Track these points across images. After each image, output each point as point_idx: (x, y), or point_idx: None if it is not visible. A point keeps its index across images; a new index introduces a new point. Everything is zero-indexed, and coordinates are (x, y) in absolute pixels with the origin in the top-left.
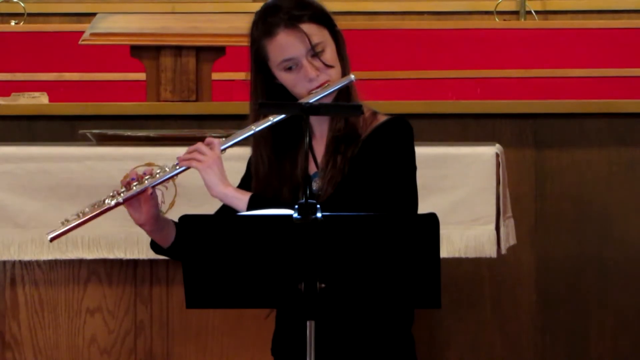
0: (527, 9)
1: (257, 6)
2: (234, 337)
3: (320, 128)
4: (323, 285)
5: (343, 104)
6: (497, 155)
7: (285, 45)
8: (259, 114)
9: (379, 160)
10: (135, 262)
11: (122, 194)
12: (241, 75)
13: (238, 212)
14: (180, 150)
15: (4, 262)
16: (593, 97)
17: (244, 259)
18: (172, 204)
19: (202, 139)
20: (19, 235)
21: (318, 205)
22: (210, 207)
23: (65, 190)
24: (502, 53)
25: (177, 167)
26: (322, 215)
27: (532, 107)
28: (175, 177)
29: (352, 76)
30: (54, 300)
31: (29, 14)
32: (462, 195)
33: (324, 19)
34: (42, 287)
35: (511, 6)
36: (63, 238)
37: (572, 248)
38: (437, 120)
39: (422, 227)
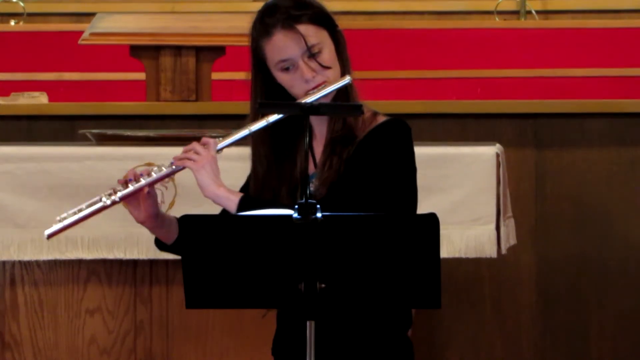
0: (527, 9)
1: (257, 6)
2: (234, 337)
3: (320, 128)
4: (323, 285)
5: (343, 104)
6: (497, 155)
7: (281, 45)
8: (258, 114)
9: (373, 161)
10: (135, 262)
11: (118, 192)
12: (241, 75)
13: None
14: (180, 150)
15: (4, 262)
16: (593, 97)
17: (244, 259)
18: (172, 204)
19: (201, 139)
20: (18, 236)
21: (318, 206)
22: (210, 207)
23: (65, 190)
24: (502, 53)
25: (173, 167)
26: (322, 215)
27: (532, 107)
28: (173, 176)
29: (348, 78)
30: (53, 300)
31: (29, 14)
32: (462, 195)
33: (323, 20)
34: (41, 287)
35: (511, 6)
36: (63, 238)
37: (572, 248)
38: (437, 120)
39: (422, 227)
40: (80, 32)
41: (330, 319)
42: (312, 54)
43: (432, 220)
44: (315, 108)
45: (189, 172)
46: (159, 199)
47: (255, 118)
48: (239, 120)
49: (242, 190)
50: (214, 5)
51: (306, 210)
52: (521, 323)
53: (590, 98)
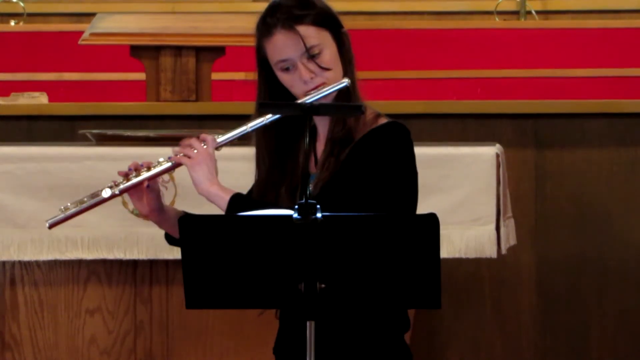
0: (527, 9)
1: (257, 6)
2: (234, 337)
3: (324, 129)
4: (323, 285)
5: (343, 104)
6: (497, 155)
7: (280, 46)
8: (261, 115)
9: (365, 162)
10: (135, 262)
11: (120, 185)
12: (241, 75)
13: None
14: None
15: (4, 263)
16: (593, 97)
17: (244, 259)
18: (172, 204)
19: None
20: (18, 236)
21: (318, 206)
22: (210, 208)
23: (65, 190)
24: (502, 53)
25: (172, 162)
26: (322, 216)
27: (532, 107)
28: (173, 176)
29: (346, 81)
30: (53, 300)
31: (29, 14)
32: (462, 195)
33: (326, 20)
34: (41, 287)
35: (511, 6)
36: (63, 238)
37: (572, 248)
38: (437, 120)
39: (422, 227)
40: (81, 32)
41: (330, 319)
42: (311, 55)
43: (432, 220)
44: (315, 108)
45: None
46: None
47: (259, 116)
48: (239, 121)
49: (248, 193)
50: (214, 5)
51: (306, 210)
52: (521, 323)
53: (590, 98)
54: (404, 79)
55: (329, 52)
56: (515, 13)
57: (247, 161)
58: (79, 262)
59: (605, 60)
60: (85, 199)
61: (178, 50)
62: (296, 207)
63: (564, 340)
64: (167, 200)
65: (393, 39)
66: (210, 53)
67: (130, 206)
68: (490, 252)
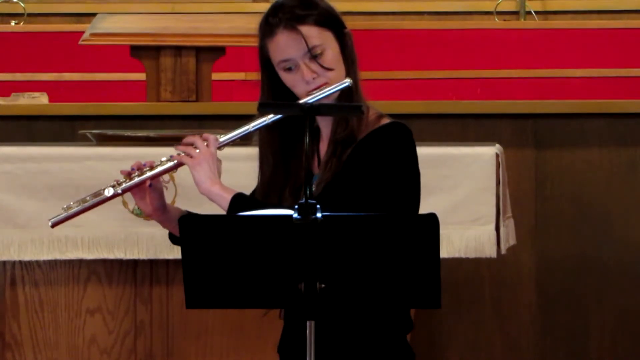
0: (527, 9)
1: (257, 6)
2: (234, 337)
3: (327, 130)
4: (323, 285)
5: (343, 104)
6: (497, 155)
7: (282, 46)
8: (264, 114)
9: (366, 163)
10: (135, 262)
11: (122, 185)
12: (241, 75)
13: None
14: None
15: (4, 263)
16: (593, 97)
17: (244, 259)
18: (172, 204)
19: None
20: (19, 236)
21: (318, 206)
22: (210, 208)
23: (65, 190)
24: (502, 53)
25: (174, 161)
26: (322, 216)
27: (532, 107)
28: (174, 175)
29: (348, 81)
30: (54, 300)
31: (29, 14)
32: (462, 195)
33: (329, 21)
34: (42, 287)
35: (511, 6)
36: (63, 238)
37: (572, 248)
38: (437, 120)
39: (422, 227)
40: (81, 33)
41: (331, 319)
42: (313, 55)
43: (432, 220)
44: (316, 108)
45: (189, 171)
46: None
47: (262, 116)
48: (239, 121)
49: (252, 194)
50: (214, 5)
51: (306, 210)
52: (521, 323)
53: (590, 98)
54: (404, 79)
55: (332, 52)
56: (515, 13)
57: (250, 161)
58: (79, 262)
59: (605, 60)
60: (88, 198)
61: (178, 50)
62: (296, 207)
63: (563, 340)
64: (167, 200)
65: (393, 39)
66: (210, 53)
67: (131, 206)
68: (490, 252)
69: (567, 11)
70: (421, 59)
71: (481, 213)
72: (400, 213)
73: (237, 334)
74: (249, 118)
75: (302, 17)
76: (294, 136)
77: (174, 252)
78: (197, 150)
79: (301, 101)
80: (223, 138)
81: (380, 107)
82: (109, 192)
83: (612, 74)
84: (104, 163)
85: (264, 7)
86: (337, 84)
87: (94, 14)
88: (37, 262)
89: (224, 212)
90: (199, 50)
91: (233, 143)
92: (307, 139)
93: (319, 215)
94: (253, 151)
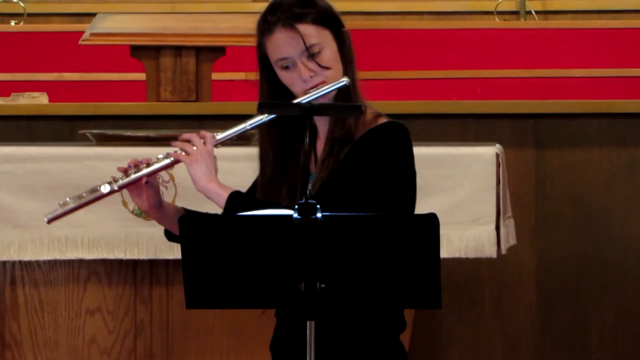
0: (527, 9)
1: (257, 6)
2: (234, 336)
3: (324, 129)
4: (323, 285)
5: (343, 105)
6: (497, 155)
7: (280, 44)
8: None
9: (362, 162)
10: (135, 262)
11: (118, 181)
12: (241, 75)
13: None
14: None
15: (4, 263)
16: (593, 97)
17: (244, 259)
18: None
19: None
20: (18, 236)
21: (318, 206)
22: (210, 207)
23: (65, 190)
24: (502, 53)
25: (171, 159)
26: (322, 216)
27: (532, 107)
28: (173, 175)
29: (346, 79)
30: (53, 300)
31: (29, 14)
32: (462, 195)
33: (327, 19)
34: (42, 287)
35: (511, 6)
36: (63, 238)
37: (572, 248)
38: (437, 120)
39: (422, 227)
40: (81, 33)
41: (331, 319)
42: (311, 54)
43: (432, 220)
44: (316, 108)
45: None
46: None
47: (259, 115)
48: (239, 121)
49: (248, 191)
50: (214, 5)
51: (306, 210)
52: (521, 323)
53: (590, 98)
54: (404, 79)
55: (329, 51)
56: (515, 13)
57: (250, 161)
58: (79, 262)
59: (605, 60)
60: (84, 195)
61: (178, 50)
62: (296, 207)
63: (564, 340)
64: (167, 200)
65: (393, 39)
66: (210, 53)
67: (131, 206)
68: (490, 252)
69: (567, 11)
70: (421, 59)
71: (481, 213)
72: (401, 213)
73: (237, 334)
74: (249, 118)
75: (301, 15)
76: (293, 134)
77: (174, 252)
78: (194, 148)
79: (297, 100)
80: (220, 135)
81: (380, 107)
82: (105, 188)
83: (611, 74)
84: (104, 163)
85: (264, 7)
86: (335, 83)
87: (94, 14)
88: (37, 262)
89: (221, 210)
90: (199, 50)
91: (232, 143)
92: (307, 139)
93: (319, 215)
94: (252, 151)
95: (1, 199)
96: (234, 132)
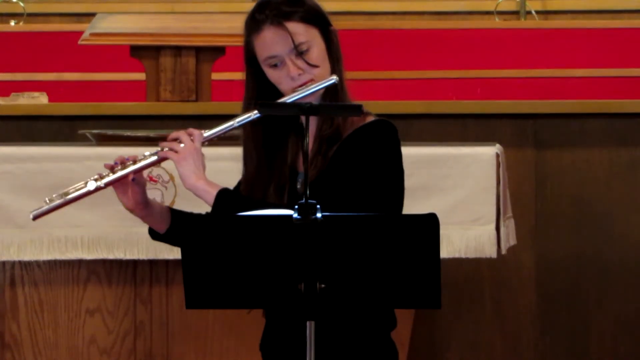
0: (527, 9)
1: None
2: (233, 337)
3: (312, 127)
4: (323, 285)
5: (343, 105)
6: (497, 155)
7: (269, 42)
8: (248, 109)
9: (350, 160)
10: (135, 262)
11: (104, 178)
12: (241, 75)
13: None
14: None
15: (4, 263)
16: (593, 97)
17: (244, 259)
18: (172, 204)
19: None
20: (18, 236)
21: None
22: (210, 207)
23: None
24: (502, 53)
25: (158, 156)
26: (322, 216)
27: (532, 107)
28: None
29: (335, 77)
30: (53, 300)
31: (29, 14)
32: (462, 195)
33: (315, 18)
34: (41, 287)
35: (511, 6)
36: (62, 238)
37: (572, 248)
38: (437, 120)
39: (422, 227)
40: (81, 32)
41: (330, 319)
42: (299, 52)
43: (432, 220)
44: (315, 109)
45: None
46: (159, 199)
47: (247, 112)
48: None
49: (235, 189)
50: (214, 5)
51: (306, 210)
52: (521, 323)
53: (590, 98)
54: (404, 79)
55: (317, 50)
56: (515, 13)
57: (237, 161)
58: (79, 262)
59: (605, 60)
60: (71, 191)
61: (178, 50)
62: (296, 207)
63: (563, 340)
64: (167, 200)
65: (393, 39)
66: (210, 53)
67: None
68: (490, 252)
69: (567, 11)
70: (421, 59)
71: (481, 213)
72: (400, 213)
73: (237, 334)
74: (237, 116)
75: (289, 13)
76: (278, 132)
77: (174, 252)
78: (182, 145)
79: (285, 98)
80: (208, 133)
81: (381, 107)
82: (91, 185)
83: (612, 74)
84: (104, 163)
85: None
86: (323, 81)
87: (93, 14)
88: (37, 262)
89: (210, 208)
90: (198, 50)
91: (225, 143)
92: (306, 139)
93: (318, 215)
94: (238, 151)
95: (1, 199)
96: (222, 130)
